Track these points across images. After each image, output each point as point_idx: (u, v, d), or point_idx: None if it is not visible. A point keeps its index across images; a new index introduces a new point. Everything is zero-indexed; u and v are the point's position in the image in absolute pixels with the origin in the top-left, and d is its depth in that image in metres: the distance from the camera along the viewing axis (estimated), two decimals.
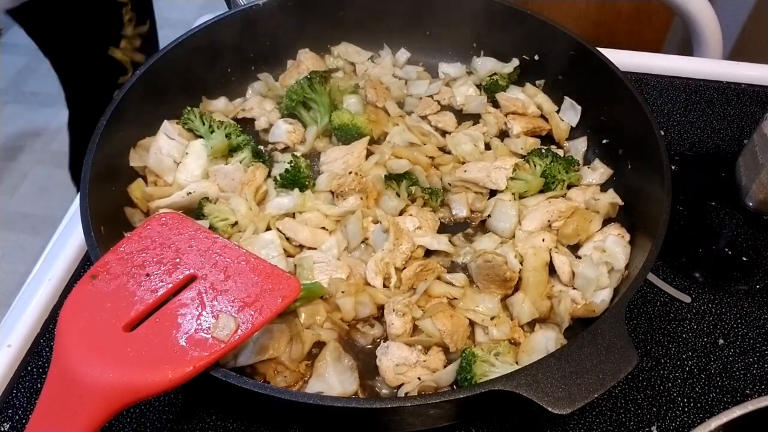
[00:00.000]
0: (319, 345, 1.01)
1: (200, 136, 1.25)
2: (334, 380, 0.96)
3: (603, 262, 1.08)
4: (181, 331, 0.80)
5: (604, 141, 1.29)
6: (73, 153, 2.30)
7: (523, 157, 1.27)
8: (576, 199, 1.20)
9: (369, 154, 1.27)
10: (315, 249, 1.12)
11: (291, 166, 1.18)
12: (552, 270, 1.10)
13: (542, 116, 1.38)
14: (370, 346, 1.04)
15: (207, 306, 0.83)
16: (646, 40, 2.39)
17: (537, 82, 1.41)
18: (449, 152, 1.30)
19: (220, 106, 1.37)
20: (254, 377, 0.96)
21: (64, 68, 2.07)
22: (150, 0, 2.07)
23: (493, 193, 1.22)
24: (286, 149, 1.32)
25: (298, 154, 1.25)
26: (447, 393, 0.82)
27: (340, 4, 1.42)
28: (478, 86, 1.43)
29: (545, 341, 1.00)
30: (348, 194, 1.17)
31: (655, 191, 1.05)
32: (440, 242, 1.13)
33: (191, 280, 0.86)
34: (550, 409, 0.78)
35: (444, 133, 1.36)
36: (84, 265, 1.18)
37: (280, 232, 1.13)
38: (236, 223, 1.14)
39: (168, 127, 1.23)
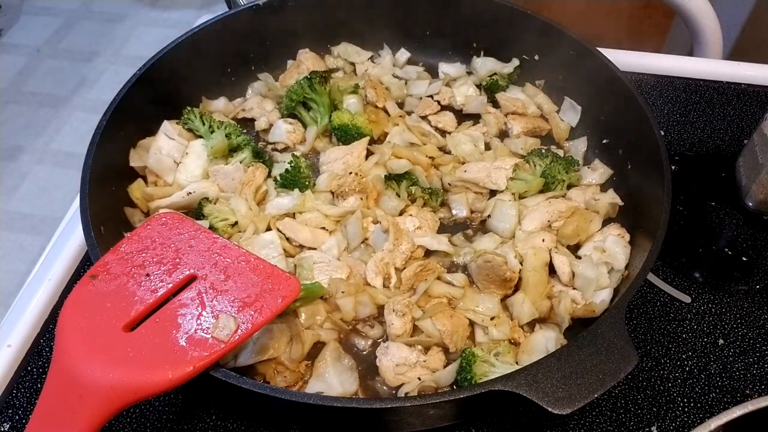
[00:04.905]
0: (319, 345, 1.01)
1: (200, 136, 1.25)
2: (334, 380, 0.96)
3: (603, 262, 1.08)
4: (181, 331, 0.80)
5: (604, 141, 1.29)
6: None
7: (523, 157, 1.27)
8: (576, 199, 1.20)
9: (369, 154, 1.27)
10: (315, 249, 1.12)
11: (291, 166, 1.18)
12: (552, 270, 1.10)
13: (542, 116, 1.38)
14: (370, 347, 1.04)
15: (207, 306, 0.83)
16: (646, 40, 2.38)
17: (537, 82, 1.41)
18: (449, 152, 1.30)
19: (220, 106, 1.37)
20: (254, 377, 0.96)
21: None
22: None
23: (493, 193, 1.22)
24: (286, 149, 1.32)
25: (298, 154, 1.25)
26: (447, 393, 0.82)
27: (340, 4, 1.42)
28: (478, 86, 1.43)
29: (545, 341, 1.00)
30: (348, 194, 1.17)
31: (655, 191, 1.05)
32: (440, 242, 1.13)
33: (191, 280, 0.86)
34: (550, 409, 0.78)
35: (444, 133, 1.36)
36: (84, 265, 1.18)
37: (280, 232, 1.13)
38: (236, 223, 1.14)
39: (168, 127, 1.23)
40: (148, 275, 0.85)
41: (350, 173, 1.18)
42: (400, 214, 1.18)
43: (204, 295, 0.84)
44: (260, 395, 0.81)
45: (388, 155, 1.25)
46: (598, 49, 1.26)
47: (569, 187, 1.23)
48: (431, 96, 1.42)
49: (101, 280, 0.83)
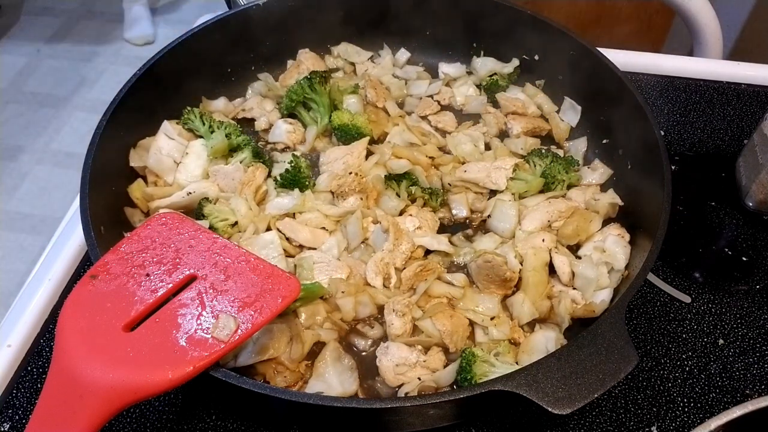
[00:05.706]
0: (319, 345, 1.01)
1: (200, 136, 1.25)
2: (334, 380, 0.96)
3: (603, 262, 1.08)
4: (181, 331, 0.80)
5: (604, 141, 1.29)
6: None
7: (523, 157, 1.27)
8: (576, 199, 1.20)
9: (369, 154, 1.26)
10: (315, 249, 1.12)
11: (291, 166, 1.18)
12: (552, 270, 1.10)
13: (542, 116, 1.38)
14: (370, 347, 1.04)
15: (207, 306, 0.83)
16: (646, 40, 2.39)
17: (537, 82, 1.41)
18: (449, 152, 1.30)
19: (220, 106, 1.37)
20: (254, 377, 0.96)
21: None
22: None
23: (493, 193, 1.22)
24: (286, 149, 1.32)
25: (298, 154, 1.25)
26: (447, 393, 0.82)
27: (340, 4, 1.42)
28: (478, 86, 1.43)
29: (545, 341, 1.00)
30: (348, 194, 1.17)
31: (655, 191, 1.05)
32: (440, 242, 1.13)
33: (191, 280, 0.86)
34: (550, 409, 0.78)
35: (444, 133, 1.36)
36: (84, 265, 1.18)
37: (280, 232, 1.13)
38: (236, 223, 1.14)
39: (168, 127, 1.23)
40: (148, 275, 0.85)
41: (350, 173, 1.18)
42: (400, 214, 1.18)
43: (204, 295, 0.84)
44: (260, 395, 0.81)
45: (388, 155, 1.25)
46: (598, 49, 1.26)
47: (569, 187, 1.23)
48: (431, 96, 1.42)
49: (101, 280, 0.83)
